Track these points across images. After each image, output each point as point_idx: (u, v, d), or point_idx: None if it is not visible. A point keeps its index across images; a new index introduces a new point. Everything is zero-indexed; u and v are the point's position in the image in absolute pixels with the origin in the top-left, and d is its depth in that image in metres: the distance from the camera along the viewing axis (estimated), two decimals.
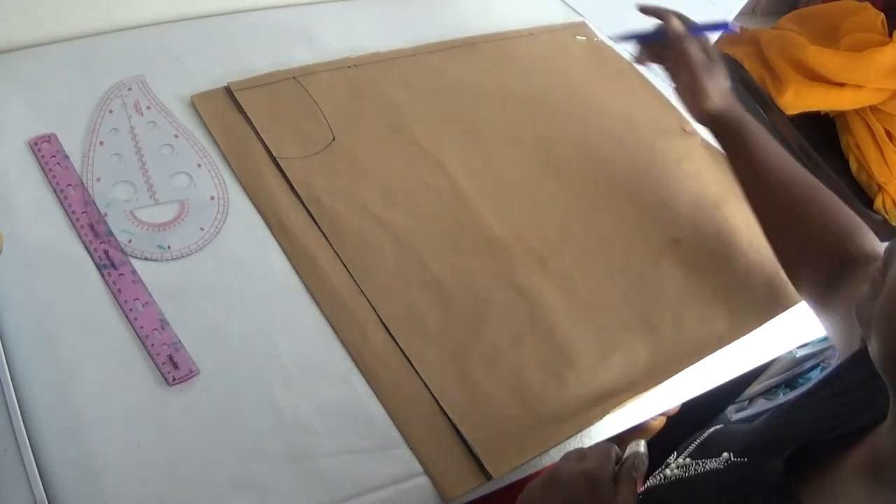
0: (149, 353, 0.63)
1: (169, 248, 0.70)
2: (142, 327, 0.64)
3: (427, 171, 0.84)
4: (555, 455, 0.67)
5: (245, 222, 0.74)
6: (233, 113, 0.83)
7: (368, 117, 0.87)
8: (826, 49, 1.10)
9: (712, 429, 0.62)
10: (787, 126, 1.12)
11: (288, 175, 0.78)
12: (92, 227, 0.69)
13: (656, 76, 1.11)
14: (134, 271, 0.67)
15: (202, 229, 0.72)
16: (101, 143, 0.76)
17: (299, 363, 0.66)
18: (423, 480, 0.61)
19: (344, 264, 0.73)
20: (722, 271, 0.86)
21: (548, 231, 0.83)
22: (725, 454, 0.54)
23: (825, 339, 0.92)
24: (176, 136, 0.79)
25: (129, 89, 0.82)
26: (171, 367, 0.62)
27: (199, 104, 0.82)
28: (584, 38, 1.11)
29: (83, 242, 0.68)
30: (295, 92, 0.86)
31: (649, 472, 0.67)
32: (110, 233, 0.69)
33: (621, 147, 0.96)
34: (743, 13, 1.08)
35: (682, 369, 0.75)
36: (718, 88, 0.79)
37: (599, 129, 0.97)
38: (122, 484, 0.56)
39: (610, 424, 0.70)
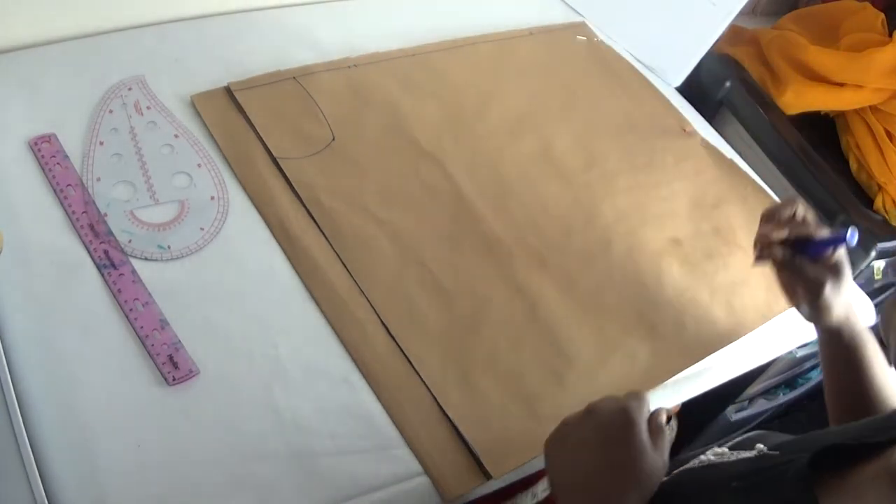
0: (149, 353, 0.63)
1: (169, 248, 0.70)
2: (142, 327, 0.64)
3: (427, 171, 0.84)
4: None
5: (245, 222, 0.74)
6: (233, 113, 0.83)
7: (368, 117, 0.87)
8: (826, 49, 1.10)
9: (753, 433, 0.64)
10: (787, 126, 1.12)
11: (288, 175, 0.78)
12: (92, 227, 0.69)
13: (656, 76, 1.11)
14: (134, 271, 0.67)
15: (202, 229, 0.72)
16: (101, 143, 0.76)
17: (299, 363, 0.66)
18: (423, 480, 0.61)
19: (344, 264, 0.73)
20: (722, 271, 0.86)
21: (548, 231, 0.83)
22: (759, 445, 0.56)
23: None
24: (176, 136, 0.79)
25: (129, 89, 0.82)
26: (171, 367, 0.62)
27: (199, 104, 0.82)
28: (584, 38, 1.11)
29: (83, 242, 0.68)
30: (295, 92, 0.86)
31: None
32: (110, 233, 0.69)
33: (621, 147, 0.96)
34: (743, 13, 1.08)
35: (682, 369, 0.75)
36: (841, 302, 0.68)
37: (599, 129, 0.97)
38: (122, 484, 0.56)
39: None
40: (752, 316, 0.83)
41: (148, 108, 0.81)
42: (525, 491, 0.74)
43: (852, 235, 0.60)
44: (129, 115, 0.79)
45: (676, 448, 0.67)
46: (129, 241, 0.69)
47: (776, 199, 0.99)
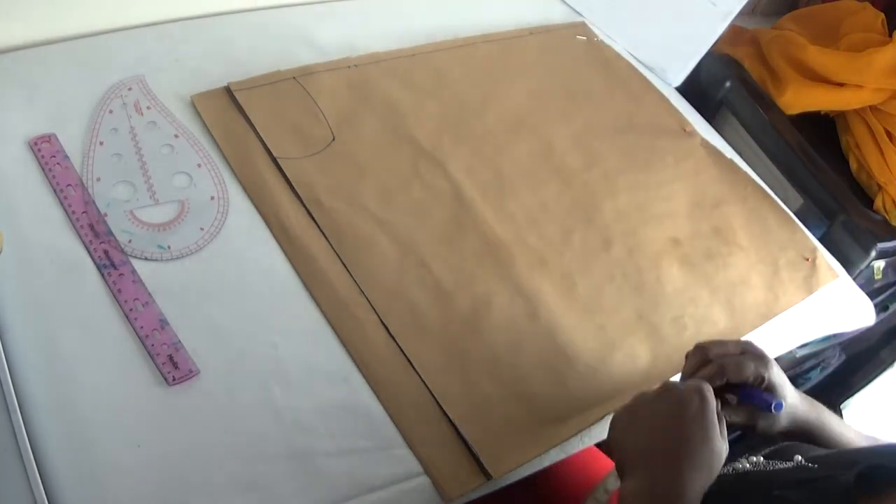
0: (149, 353, 0.63)
1: (169, 248, 0.70)
2: (142, 327, 0.64)
3: (427, 171, 0.84)
4: (555, 455, 0.67)
5: (245, 222, 0.74)
6: (233, 113, 0.83)
7: (368, 117, 0.87)
8: (826, 49, 1.10)
9: (787, 443, 0.64)
10: (788, 126, 1.12)
11: (288, 175, 0.78)
12: (92, 227, 0.69)
13: (656, 76, 1.12)
14: (134, 271, 0.67)
15: (202, 229, 0.72)
16: (101, 143, 0.76)
17: (299, 363, 0.66)
18: (423, 480, 0.61)
19: (344, 264, 0.73)
20: (722, 271, 0.86)
21: (548, 231, 0.83)
22: (797, 457, 0.57)
23: (825, 338, 0.92)
24: (176, 136, 0.79)
25: (129, 89, 0.82)
26: (171, 367, 0.62)
27: (199, 104, 0.82)
28: (584, 37, 1.11)
29: (83, 242, 0.68)
30: (295, 92, 0.86)
31: None
32: (110, 233, 0.69)
33: (621, 147, 0.96)
34: (743, 13, 1.08)
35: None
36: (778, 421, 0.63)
37: (599, 128, 0.97)
38: (122, 484, 0.56)
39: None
40: (752, 316, 0.83)
41: (148, 108, 0.81)
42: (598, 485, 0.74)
43: (778, 407, 0.59)
44: (129, 115, 0.79)
45: None
46: (129, 241, 0.69)
47: (776, 199, 0.99)
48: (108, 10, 0.86)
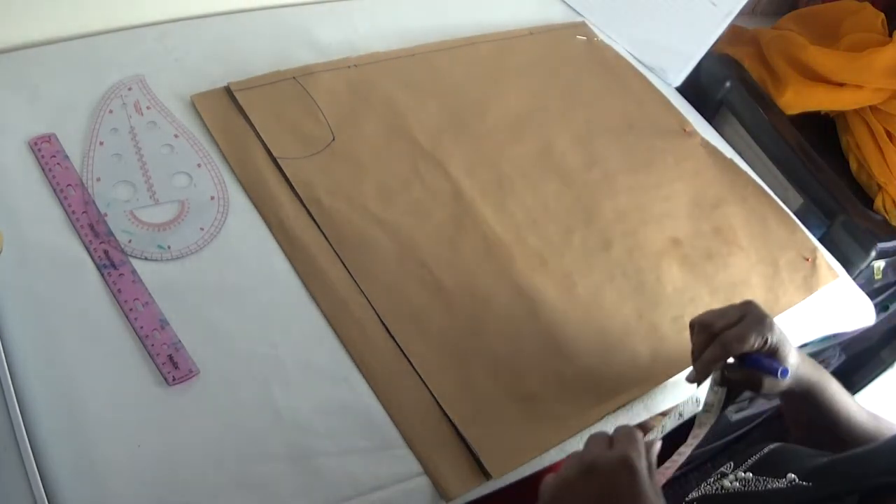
0: (149, 353, 0.63)
1: (169, 248, 0.70)
2: (142, 327, 0.64)
3: (427, 171, 0.84)
4: (555, 455, 0.67)
5: (245, 222, 0.74)
6: (233, 113, 0.83)
7: (368, 117, 0.87)
8: (826, 49, 1.10)
9: (772, 446, 0.63)
10: (788, 126, 1.12)
11: (288, 175, 0.78)
12: (92, 227, 0.69)
13: (656, 76, 1.11)
14: (134, 271, 0.67)
15: (202, 229, 0.72)
16: (101, 143, 0.76)
17: (299, 363, 0.66)
18: (423, 480, 0.61)
19: (344, 264, 0.73)
20: (722, 271, 0.86)
21: (548, 231, 0.83)
22: (790, 475, 0.55)
23: (825, 338, 0.92)
24: (176, 136, 0.79)
25: (129, 89, 0.82)
26: (171, 367, 0.62)
27: (199, 104, 0.82)
28: (584, 37, 1.11)
29: (83, 242, 0.68)
30: (295, 92, 0.86)
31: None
32: (110, 233, 0.69)
33: (621, 147, 0.96)
34: (743, 13, 1.08)
35: (682, 369, 0.75)
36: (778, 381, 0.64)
37: (599, 128, 0.97)
38: (122, 484, 0.56)
39: (610, 424, 0.70)
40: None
41: (148, 108, 0.81)
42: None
43: (784, 373, 0.61)
44: (129, 115, 0.79)
45: (673, 448, 0.67)
46: (129, 241, 0.69)
47: (776, 199, 0.99)
48: (108, 10, 0.86)
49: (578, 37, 1.11)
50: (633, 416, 0.72)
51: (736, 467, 0.62)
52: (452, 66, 0.97)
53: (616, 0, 1.13)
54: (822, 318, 0.88)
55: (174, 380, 0.61)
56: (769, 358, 0.62)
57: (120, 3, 0.87)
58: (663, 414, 0.72)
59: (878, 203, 1.06)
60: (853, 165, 1.11)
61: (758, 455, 0.62)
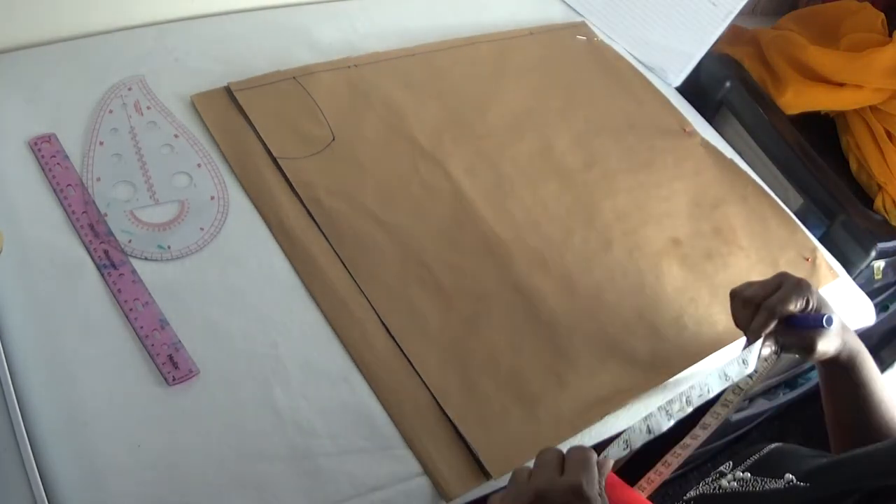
0: (149, 353, 0.63)
1: (169, 248, 0.70)
2: (142, 327, 0.64)
3: (427, 171, 0.84)
4: None
5: (245, 222, 0.74)
6: (233, 113, 0.83)
7: (368, 117, 0.87)
8: (826, 49, 1.09)
9: (772, 446, 0.63)
10: (788, 126, 1.12)
11: (288, 175, 0.78)
12: (92, 227, 0.69)
13: (656, 76, 1.12)
14: (134, 271, 0.67)
15: (202, 229, 0.72)
16: (101, 143, 0.76)
17: (299, 363, 0.66)
18: (423, 480, 0.61)
19: (344, 264, 0.73)
20: (722, 271, 0.86)
21: (548, 231, 0.83)
22: (788, 475, 0.55)
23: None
24: (176, 136, 0.79)
25: (129, 89, 0.82)
26: (171, 367, 0.62)
27: (199, 104, 0.82)
28: (584, 37, 1.11)
29: (83, 242, 0.68)
30: (295, 92, 0.86)
31: (639, 476, 0.68)
32: (110, 233, 0.69)
33: (621, 147, 0.96)
34: (743, 13, 1.08)
35: (683, 369, 0.75)
36: (833, 341, 0.67)
37: (599, 128, 0.97)
38: (122, 484, 0.56)
39: (610, 424, 0.70)
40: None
41: (148, 108, 0.81)
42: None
43: (829, 321, 0.64)
44: (129, 115, 0.79)
45: (672, 447, 0.67)
46: (129, 241, 0.69)
47: (776, 199, 0.99)
48: (108, 10, 0.86)
49: (578, 37, 1.11)
50: (633, 415, 0.71)
51: (735, 467, 0.62)
52: (452, 66, 0.97)
53: (616, 0, 1.13)
54: None
55: (174, 380, 0.61)
56: (813, 314, 0.65)
57: (120, 3, 0.87)
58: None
59: (878, 203, 1.06)
60: (853, 165, 1.11)
61: (757, 455, 0.62)
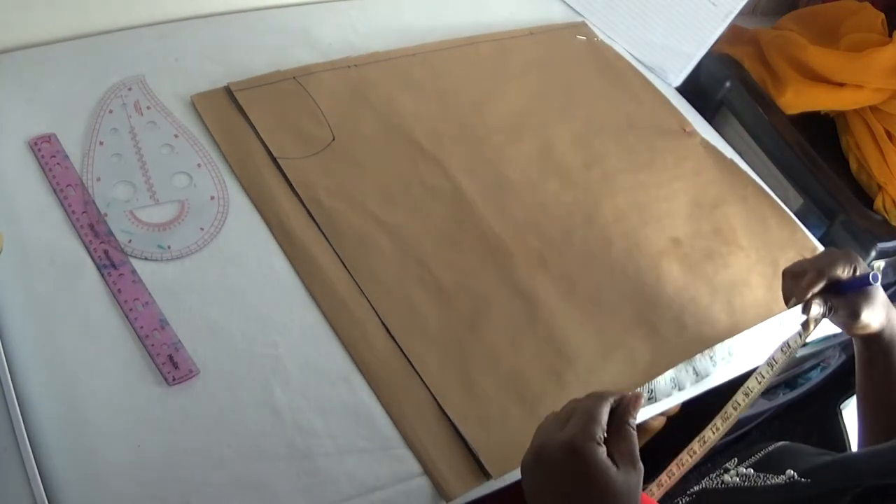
0: (149, 353, 0.63)
1: (169, 248, 0.70)
2: (142, 327, 0.64)
3: (427, 171, 0.84)
4: None
5: (245, 222, 0.74)
6: (233, 113, 0.83)
7: (368, 117, 0.87)
8: (826, 49, 1.09)
9: (778, 444, 0.63)
10: (788, 126, 1.12)
11: (288, 175, 0.78)
12: (92, 227, 0.69)
13: (656, 76, 1.11)
14: (134, 271, 0.67)
15: (202, 229, 0.72)
16: (101, 143, 0.76)
17: (299, 363, 0.66)
18: (423, 480, 0.61)
19: (344, 264, 0.73)
20: (722, 271, 0.86)
21: (548, 231, 0.83)
22: (789, 471, 0.55)
23: (825, 338, 0.92)
24: (176, 136, 0.79)
25: (129, 89, 0.82)
26: (171, 367, 0.62)
27: (199, 104, 0.82)
28: (584, 37, 1.11)
29: (83, 242, 0.68)
30: (295, 92, 0.86)
31: (650, 473, 0.68)
32: (110, 233, 0.69)
33: (621, 147, 0.96)
34: (743, 13, 1.08)
35: (680, 362, 0.75)
36: (879, 313, 0.69)
37: (599, 128, 0.97)
38: (122, 484, 0.56)
39: None
40: (752, 316, 0.83)
41: (148, 108, 0.81)
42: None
43: (875, 277, 0.66)
44: (129, 115, 0.79)
45: (677, 449, 0.67)
46: (129, 241, 0.69)
47: (776, 199, 0.99)
48: (108, 10, 0.86)
49: (578, 37, 1.11)
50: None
51: (739, 464, 0.62)
52: (452, 66, 0.97)
53: (616, 0, 1.13)
54: None
55: (174, 380, 0.61)
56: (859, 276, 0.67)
57: (120, 4, 0.87)
58: (663, 414, 0.72)
59: (878, 203, 1.06)
60: (853, 165, 1.11)
61: (762, 452, 0.63)
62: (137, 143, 0.77)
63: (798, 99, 1.11)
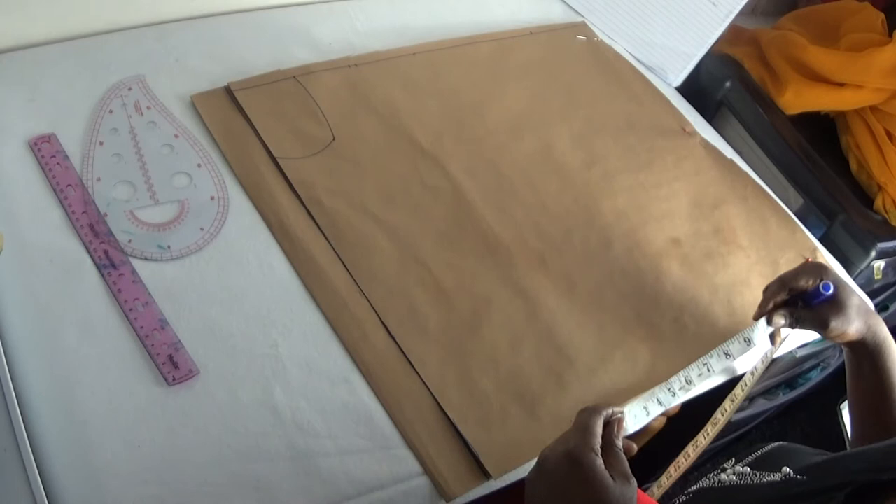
0: (149, 353, 0.63)
1: (169, 248, 0.70)
2: (142, 327, 0.64)
3: (427, 171, 0.84)
4: None
5: (245, 222, 0.74)
6: (233, 113, 0.83)
7: (368, 117, 0.87)
8: (826, 49, 1.09)
9: (775, 444, 0.64)
10: (787, 126, 1.12)
11: (288, 175, 0.78)
12: (92, 227, 0.69)
13: (656, 76, 1.12)
14: (134, 271, 0.67)
15: (202, 229, 0.72)
16: (101, 143, 0.76)
17: (299, 363, 0.66)
18: (423, 480, 0.61)
19: (344, 264, 0.73)
20: (722, 271, 0.86)
21: (548, 231, 0.83)
22: (785, 469, 0.56)
23: (824, 339, 0.92)
24: (176, 136, 0.79)
25: (129, 89, 0.82)
26: (171, 367, 0.62)
27: (199, 104, 0.82)
28: (584, 37, 1.11)
29: (83, 242, 0.68)
30: (295, 92, 0.86)
31: (651, 473, 0.68)
32: (110, 233, 0.69)
33: (621, 147, 0.96)
34: (743, 13, 1.08)
35: (682, 369, 0.75)
36: (852, 321, 0.70)
37: (599, 128, 0.97)
38: (122, 484, 0.56)
39: None
40: (751, 315, 0.83)
41: (148, 108, 0.81)
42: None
43: (826, 287, 0.69)
44: (129, 115, 0.79)
45: (677, 449, 0.67)
46: (129, 241, 0.69)
47: (776, 199, 0.99)
48: (108, 10, 0.86)
49: (578, 37, 1.11)
50: (633, 416, 0.71)
51: (736, 463, 0.62)
52: (452, 66, 0.97)
53: (616, 0, 1.13)
54: None
55: (174, 380, 0.61)
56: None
57: (120, 3, 0.87)
58: (663, 414, 0.72)
59: (878, 203, 1.06)
60: (853, 165, 1.11)
61: (759, 452, 0.63)
62: (137, 143, 0.77)
63: (798, 99, 1.11)
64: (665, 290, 0.82)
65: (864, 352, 0.70)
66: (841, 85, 1.08)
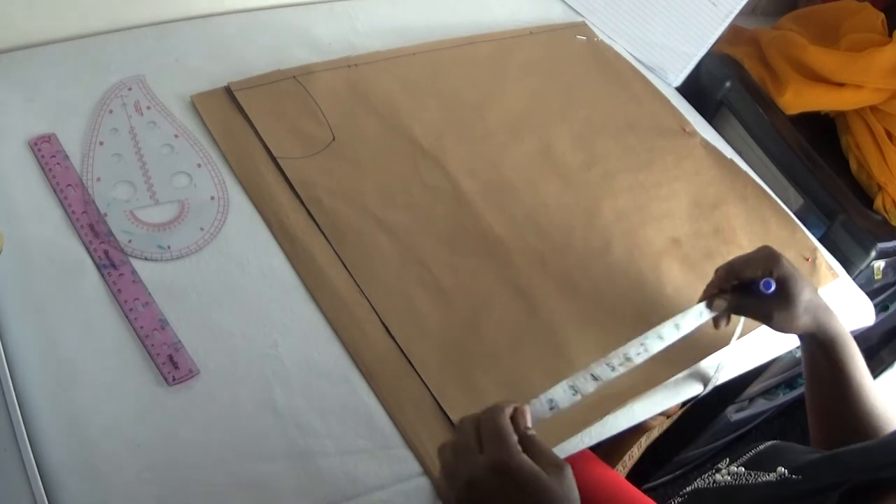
0: (149, 353, 0.63)
1: (169, 248, 0.70)
2: (142, 327, 0.64)
3: (427, 171, 0.84)
4: None
5: (245, 222, 0.74)
6: (233, 113, 0.83)
7: (368, 117, 0.87)
8: (826, 49, 1.09)
9: (768, 443, 0.63)
10: (787, 126, 1.12)
11: (288, 175, 0.78)
12: (92, 227, 0.69)
13: (656, 76, 1.12)
14: (134, 271, 0.67)
15: (202, 229, 0.72)
16: (101, 143, 0.76)
17: (299, 363, 0.66)
18: (423, 480, 0.62)
19: (344, 264, 0.73)
20: None
21: (548, 231, 0.83)
22: (780, 468, 0.55)
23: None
24: (176, 136, 0.79)
25: (129, 89, 0.82)
26: (171, 367, 0.62)
27: (199, 104, 0.82)
28: (584, 37, 1.11)
29: (83, 242, 0.68)
30: (295, 92, 0.86)
31: (651, 472, 0.68)
32: (110, 233, 0.69)
33: (621, 147, 0.96)
34: (743, 13, 1.08)
35: (683, 369, 0.75)
36: (798, 315, 0.69)
37: (599, 128, 0.97)
38: (123, 484, 0.56)
39: (610, 425, 0.70)
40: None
41: (148, 108, 0.81)
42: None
43: (767, 285, 0.67)
44: (129, 115, 0.79)
45: (677, 449, 0.67)
46: (129, 241, 0.69)
47: (776, 199, 0.99)
48: (108, 10, 0.86)
49: (578, 37, 1.11)
50: (633, 417, 0.72)
51: (731, 463, 0.62)
52: (452, 66, 0.97)
53: (616, 0, 1.13)
54: None
55: (174, 380, 0.61)
56: (766, 281, 0.68)
57: (120, 3, 0.87)
58: (663, 414, 0.72)
59: (878, 203, 1.06)
60: (853, 165, 1.11)
61: (753, 451, 0.63)
62: (137, 143, 0.77)
63: (798, 99, 1.11)
64: (665, 290, 0.82)
65: (820, 346, 0.69)
66: (841, 85, 1.08)
